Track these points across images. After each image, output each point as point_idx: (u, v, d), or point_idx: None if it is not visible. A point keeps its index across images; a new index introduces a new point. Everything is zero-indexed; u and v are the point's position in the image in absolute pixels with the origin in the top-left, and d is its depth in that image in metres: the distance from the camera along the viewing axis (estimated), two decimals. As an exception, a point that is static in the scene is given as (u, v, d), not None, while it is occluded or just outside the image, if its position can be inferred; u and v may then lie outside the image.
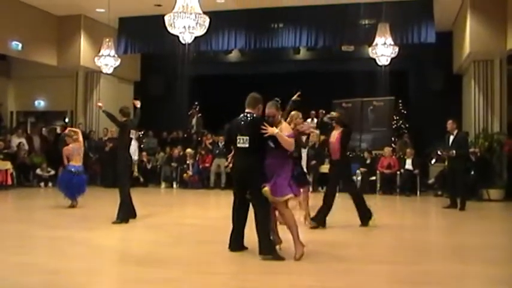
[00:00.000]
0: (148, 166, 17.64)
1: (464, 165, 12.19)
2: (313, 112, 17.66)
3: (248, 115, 6.36)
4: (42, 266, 5.73)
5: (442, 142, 12.59)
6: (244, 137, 6.29)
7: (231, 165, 7.73)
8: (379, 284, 5.34)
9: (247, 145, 6.25)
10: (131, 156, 9.72)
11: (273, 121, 6.28)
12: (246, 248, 6.49)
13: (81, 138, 11.34)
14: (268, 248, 6.09)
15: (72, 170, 10.92)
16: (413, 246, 7.55)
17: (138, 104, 9.87)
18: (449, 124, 11.92)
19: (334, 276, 5.50)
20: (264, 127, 6.06)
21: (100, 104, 10.54)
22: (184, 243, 7.32)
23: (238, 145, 6.35)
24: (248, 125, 6.29)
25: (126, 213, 8.95)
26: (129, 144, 9.51)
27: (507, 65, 15.21)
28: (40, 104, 19.93)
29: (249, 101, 6.45)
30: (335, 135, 8.66)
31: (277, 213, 6.52)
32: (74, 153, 11.03)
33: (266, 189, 6.02)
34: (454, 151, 11.68)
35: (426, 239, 8.33)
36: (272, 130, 6.06)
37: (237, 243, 6.51)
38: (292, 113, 8.14)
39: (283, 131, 6.18)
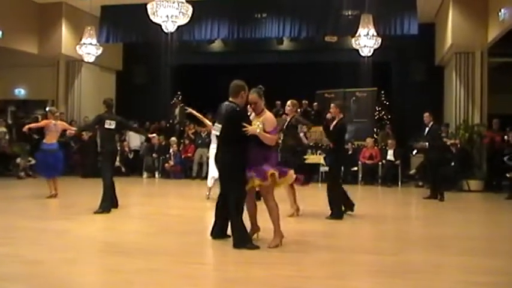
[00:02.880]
0: (130, 156, 17.60)
1: (439, 157, 12.33)
2: (306, 102, 17.81)
3: (228, 105, 6.34)
4: (24, 257, 5.69)
5: (419, 134, 12.76)
6: (219, 125, 6.34)
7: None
8: (360, 274, 5.39)
9: (218, 133, 6.34)
10: (116, 147, 9.66)
11: (255, 108, 6.32)
12: (229, 236, 6.49)
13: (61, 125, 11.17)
14: (241, 241, 6.12)
15: (47, 148, 10.75)
16: (394, 236, 7.63)
17: (152, 135, 10.97)
18: (426, 117, 12.12)
19: (314, 266, 5.55)
20: (244, 126, 6.07)
21: (69, 132, 10.46)
22: (167, 233, 7.31)
23: (213, 131, 6.52)
24: (225, 114, 6.28)
25: (108, 203, 8.93)
26: (109, 135, 9.37)
27: (488, 57, 15.36)
28: (20, 92, 19.70)
29: (230, 89, 6.42)
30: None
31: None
32: (52, 130, 10.83)
33: (253, 178, 6.09)
34: (426, 143, 11.93)
35: (407, 229, 8.41)
36: (253, 130, 6.08)
37: (218, 230, 6.58)
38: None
39: (267, 124, 6.18)
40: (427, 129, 11.97)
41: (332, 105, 8.99)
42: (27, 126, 11.16)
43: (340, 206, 8.65)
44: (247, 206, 6.42)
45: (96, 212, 8.70)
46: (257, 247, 6.11)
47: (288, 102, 8.89)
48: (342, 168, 9.19)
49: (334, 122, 8.77)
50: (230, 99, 6.39)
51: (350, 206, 9.06)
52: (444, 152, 12.89)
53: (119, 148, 17.13)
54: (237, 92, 6.36)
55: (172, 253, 6.02)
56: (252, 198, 6.50)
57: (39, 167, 10.89)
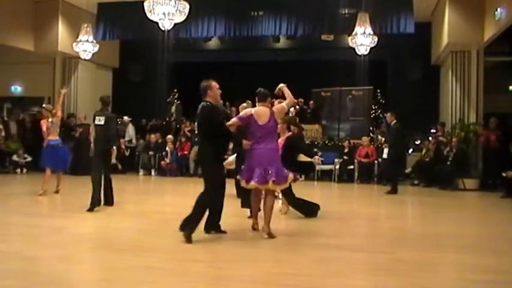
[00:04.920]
0: (127, 153, 17.59)
1: (397, 155, 13.12)
2: (301, 100, 17.78)
3: (201, 103, 6.70)
4: (19, 254, 5.69)
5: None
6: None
7: None
8: (355, 272, 5.40)
9: (196, 131, 6.75)
10: (106, 145, 9.28)
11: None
12: (223, 232, 6.75)
13: (59, 113, 11.13)
14: (188, 225, 6.34)
15: (53, 144, 10.76)
16: (390, 234, 7.64)
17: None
18: (389, 116, 12.92)
19: (309, 264, 5.55)
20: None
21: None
22: (163, 230, 7.30)
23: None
24: (198, 113, 6.68)
25: (93, 200, 8.83)
26: (99, 131, 9.13)
27: (484, 56, 15.39)
28: (17, 89, 19.68)
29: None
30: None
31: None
32: (52, 127, 10.83)
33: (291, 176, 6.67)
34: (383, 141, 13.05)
35: (403, 227, 8.42)
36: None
37: (210, 225, 6.81)
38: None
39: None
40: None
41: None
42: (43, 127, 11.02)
43: (304, 205, 8.56)
44: (254, 204, 7.01)
45: (88, 210, 8.67)
46: (190, 241, 6.27)
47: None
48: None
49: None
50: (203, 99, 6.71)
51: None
52: (401, 149, 13.55)
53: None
54: (204, 92, 6.70)
55: (167, 250, 6.02)
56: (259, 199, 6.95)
57: (48, 162, 10.80)
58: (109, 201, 9.21)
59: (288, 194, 8.38)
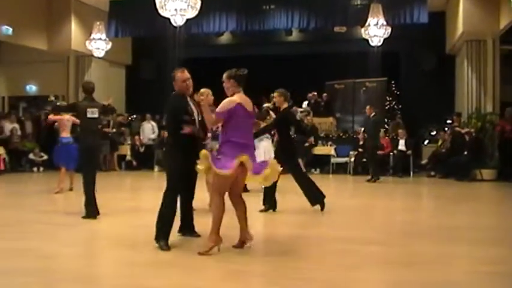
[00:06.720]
0: (141, 150, 17.65)
1: (372, 145, 14.04)
2: (315, 93, 17.76)
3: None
4: (38, 251, 5.71)
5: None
6: None
7: None
8: (367, 265, 5.34)
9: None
10: (94, 141, 8.26)
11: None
12: (198, 235, 6.42)
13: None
14: (159, 232, 5.90)
15: (65, 141, 10.73)
16: (404, 227, 7.58)
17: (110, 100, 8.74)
18: (367, 109, 13.78)
19: (320, 258, 5.51)
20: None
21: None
22: (177, 227, 7.30)
23: None
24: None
25: (90, 208, 7.94)
26: (92, 125, 8.08)
27: (500, 44, 15.23)
28: (31, 88, 19.80)
29: None
30: None
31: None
32: (65, 124, 10.79)
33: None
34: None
35: (416, 220, 8.35)
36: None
37: (183, 226, 6.55)
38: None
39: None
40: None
41: (275, 93, 8.51)
42: (49, 117, 11.07)
43: (313, 192, 8.27)
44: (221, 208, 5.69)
45: (83, 217, 7.84)
46: (168, 249, 5.74)
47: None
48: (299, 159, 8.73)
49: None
50: None
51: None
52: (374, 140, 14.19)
53: (129, 142, 17.34)
54: (172, 81, 6.08)
55: (181, 246, 6.01)
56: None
57: (61, 159, 10.81)
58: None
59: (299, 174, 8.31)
